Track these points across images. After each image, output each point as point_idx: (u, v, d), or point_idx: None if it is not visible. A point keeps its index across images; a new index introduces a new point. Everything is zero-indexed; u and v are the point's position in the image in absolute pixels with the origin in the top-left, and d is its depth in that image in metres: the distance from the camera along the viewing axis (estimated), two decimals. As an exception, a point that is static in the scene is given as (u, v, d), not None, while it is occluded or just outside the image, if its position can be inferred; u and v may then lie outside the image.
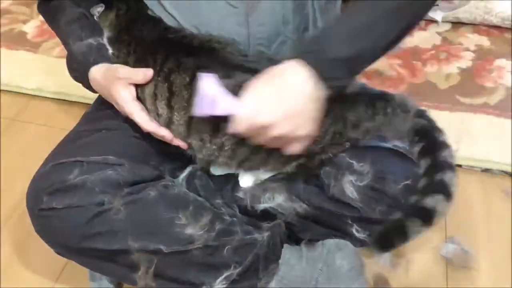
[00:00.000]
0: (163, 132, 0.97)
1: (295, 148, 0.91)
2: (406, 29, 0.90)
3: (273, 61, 0.89)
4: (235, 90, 0.87)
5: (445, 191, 0.88)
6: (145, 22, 1.01)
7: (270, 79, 0.86)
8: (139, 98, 0.98)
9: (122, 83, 0.97)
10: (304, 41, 0.99)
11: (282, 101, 0.85)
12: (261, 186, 1.03)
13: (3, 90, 1.73)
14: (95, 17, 1.04)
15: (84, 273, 1.08)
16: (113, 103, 1.01)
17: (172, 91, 0.94)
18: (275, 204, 1.02)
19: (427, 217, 0.86)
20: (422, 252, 1.22)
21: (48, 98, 1.69)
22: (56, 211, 0.95)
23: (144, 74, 0.95)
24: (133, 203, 0.96)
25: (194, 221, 0.96)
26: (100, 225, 0.94)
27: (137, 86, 0.98)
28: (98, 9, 1.03)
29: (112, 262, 0.98)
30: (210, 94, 0.85)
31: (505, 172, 1.41)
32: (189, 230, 0.95)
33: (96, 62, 1.01)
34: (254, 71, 0.89)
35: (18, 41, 1.91)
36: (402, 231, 0.86)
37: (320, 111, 0.88)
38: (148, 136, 1.03)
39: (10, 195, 1.36)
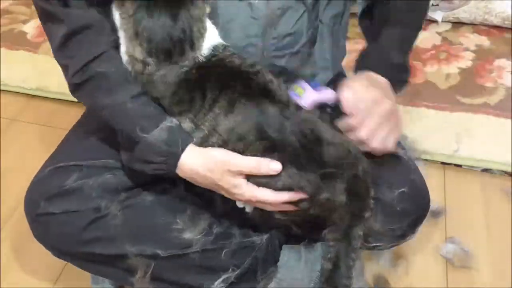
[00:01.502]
0: (299, 195, 0.87)
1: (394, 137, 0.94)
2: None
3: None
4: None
5: None
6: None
7: (371, 86, 0.94)
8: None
9: (233, 174, 0.86)
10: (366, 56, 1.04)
11: (377, 88, 0.94)
12: None
13: (3, 90, 1.73)
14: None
15: (83, 275, 1.08)
16: (219, 192, 0.90)
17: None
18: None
19: None
20: (422, 252, 1.22)
21: (48, 98, 1.69)
22: (53, 216, 0.95)
23: (271, 168, 0.84)
24: (130, 208, 0.96)
25: (191, 225, 0.96)
26: (97, 230, 0.94)
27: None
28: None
29: (109, 266, 0.98)
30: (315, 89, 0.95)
31: (505, 172, 1.41)
32: (186, 235, 0.95)
33: (183, 148, 0.87)
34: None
35: (18, 41, 1.91)
36: None
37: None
38: None
39: (10, 195, 1.36)
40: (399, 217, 0.98)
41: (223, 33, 0.94)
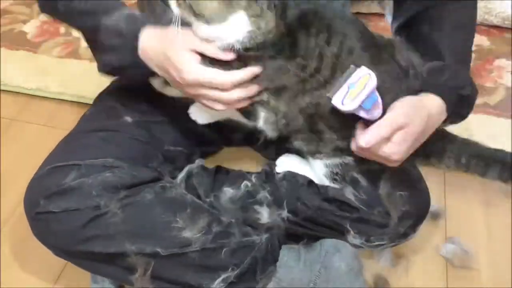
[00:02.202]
0: (254, 70, 0.86)
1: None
2: None
3: None
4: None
5: None
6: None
7: (410, 101, 0.89)
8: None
9: (187, 48, 0.86)
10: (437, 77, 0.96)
11: (418, 116, 0.87)
12: (249, 199, 1.03)
13: (3, 90, 1.72)
14: None
15: (83, 274, 1.08)
16: (169, 73, 0.88)
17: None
18: (266, 222, 1.02)
19: None
20: (422, 252, 1.22)
21: (48, 98, 1.68)
22: (53, 215, 0.95)
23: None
24: (130, 206, 0.96)
25: (191, 224, 0.96)
26: (96, 228, 0.94)
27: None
28: None
29: (109, 265, 0.98)
30: (377, 99, 0.84)
31: (505, 172, 1.40)
32: (186, 233, 0.95)
33: (143, 26, 0.90)
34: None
35: (18, 41, 1.91)
36: None
37: None
38: (148, 137, 1.03)
39: (10, 195, 1.36)
40: (401, 218, 0.99)
41: None
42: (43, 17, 2.04)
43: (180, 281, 0.97)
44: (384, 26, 1.53)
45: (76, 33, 1.92)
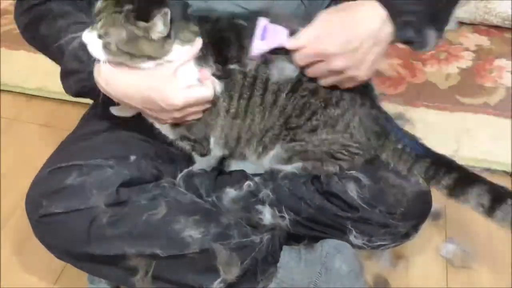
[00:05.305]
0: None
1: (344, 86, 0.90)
2: None
3: None
4: None
5: None
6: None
7: (341, 12, 0.85)
8: None
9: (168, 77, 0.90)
10: None
11: (345, 34, 0.83)
12: (252, 198, 1.03)
13: (3, 90, 1.73)
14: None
15: (83, 275, 1.09)
16: (155, 104, 0.89)
17: None
18: (268, 223, 1.02)
19: None
20: (422, 252, 1.22)
21: (48, 98, 1.69)
22: (56, 217, 0.95)
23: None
24: (129, 206, 0.96)
25: (189, 225, 0.96)
26: (96, 230, 0.94)
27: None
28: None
29: (111, 267, 0.98)
30: (270, 27, 0.88)
31: (505, 172, 1.41)
32: (184, 234, 0.95)
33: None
34: None
35: (18, 41, 1.89)
36: None
37: (382, 57, 0.86)
38: (149, 137, 1.03)
39: (10, 195, 1.36)
40: (403, 218, 0.99)
41: None
42: (43, 17, 2.04)
43: (181, 282, 0.97)
44: None
45: (76, 33, 1.92)
